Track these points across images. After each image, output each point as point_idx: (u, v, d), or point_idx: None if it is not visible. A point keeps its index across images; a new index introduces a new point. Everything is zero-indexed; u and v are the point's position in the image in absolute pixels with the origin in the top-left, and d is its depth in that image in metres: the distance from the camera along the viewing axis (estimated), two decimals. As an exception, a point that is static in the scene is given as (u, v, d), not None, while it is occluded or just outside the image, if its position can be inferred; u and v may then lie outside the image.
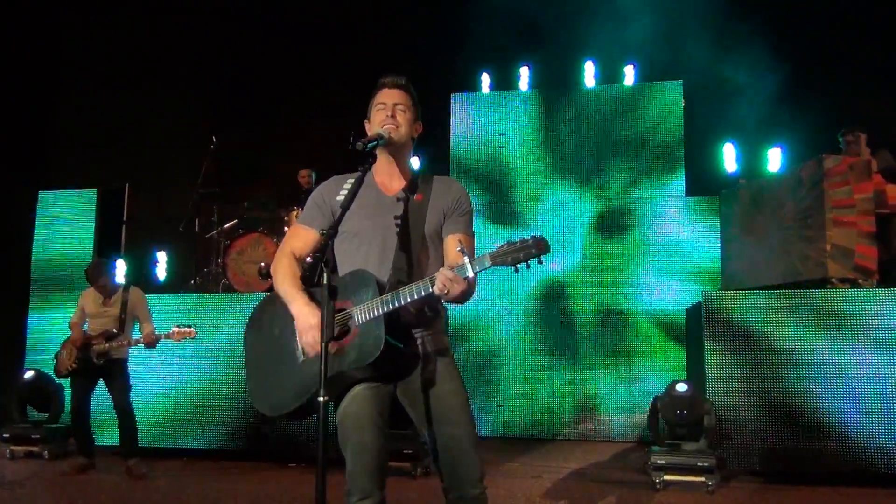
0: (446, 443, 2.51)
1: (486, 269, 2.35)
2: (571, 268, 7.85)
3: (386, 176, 2.68)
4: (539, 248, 2.32)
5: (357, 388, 2.51)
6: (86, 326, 5.89)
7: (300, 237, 2.69)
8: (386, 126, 2.60)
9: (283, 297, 2.58)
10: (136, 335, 5.74)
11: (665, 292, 7.61)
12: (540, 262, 2.34)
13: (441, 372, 2.56)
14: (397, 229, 2.54)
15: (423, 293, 2.39)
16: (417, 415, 2.58)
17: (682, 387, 5.38)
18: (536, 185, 8.09)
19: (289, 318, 2.57)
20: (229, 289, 7.31)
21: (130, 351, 5.84)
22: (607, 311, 7.71)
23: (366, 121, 2.72)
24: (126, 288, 5.93)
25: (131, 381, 5.80)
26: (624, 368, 7.55)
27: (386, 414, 2.54)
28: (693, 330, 6.92)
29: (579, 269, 7.84)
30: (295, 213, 7.40)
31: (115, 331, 5.69)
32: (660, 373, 7.34)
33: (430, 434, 2.54)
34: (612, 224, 7.87)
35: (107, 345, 5.60)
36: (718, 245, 7.40)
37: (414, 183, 2.66)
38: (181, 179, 8.28)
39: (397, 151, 2.67)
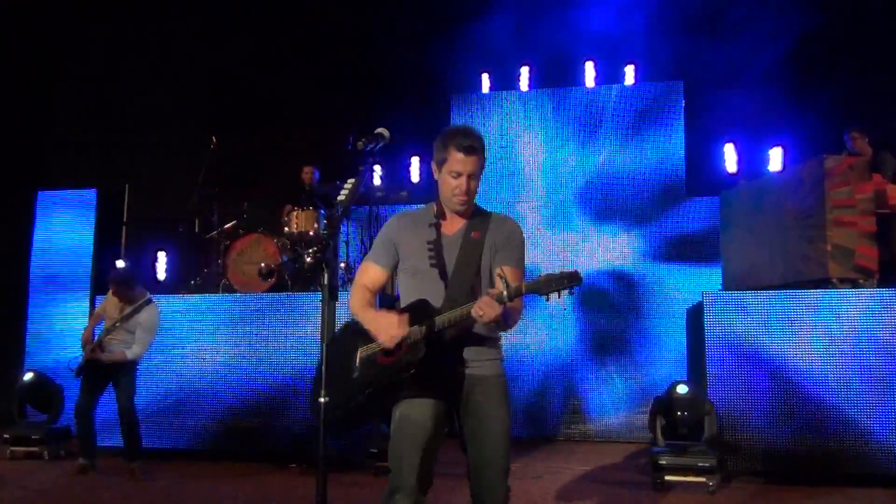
0: (478, 465, 2.71)
1: (520, 295, 2.59)
2: (572, 268, 7.82)
3: (448, 216, 2.85)
4: (572, 280, 2.64)
5: (416, 399, 2.68)
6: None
7: (369, 273, 2.93)
8: (456, 198, 2.76)
9: (362, 321, 2.81)
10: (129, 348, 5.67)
11: (665, 292, 7.59)
12: (571, 293, 2.65)
13: (489, 396, 2.73)
14: (454, 265, 2.76)
15: (463, 315, 2.59)
16: (464, 432, 2.74)
17: (682, 388, 5.38)
18: (537, 185, 8.08)
19: (356, 345, 2.80)
20: (229, 289, 7.28)
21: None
22: (608, 311, 7.69)
23: (433, 163, 2.84)
24: (148, 301, 5.79)
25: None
26: (625, 369, 7.54)
27: (443, 423, 2.71)
28: (694, 330, 6.91)
29: (580, 269, 7.80)
30: (295, 212, 7.35)
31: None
32: (661, 373, 7.33)
33: (469, 453, 2.72)
34: (612, 224, 7.86)
35: (104, 354, 5.60)
36: (719, 245, 7.39)
37: (473, 222, 2.84)
38: (181, 180, 8.25)
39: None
